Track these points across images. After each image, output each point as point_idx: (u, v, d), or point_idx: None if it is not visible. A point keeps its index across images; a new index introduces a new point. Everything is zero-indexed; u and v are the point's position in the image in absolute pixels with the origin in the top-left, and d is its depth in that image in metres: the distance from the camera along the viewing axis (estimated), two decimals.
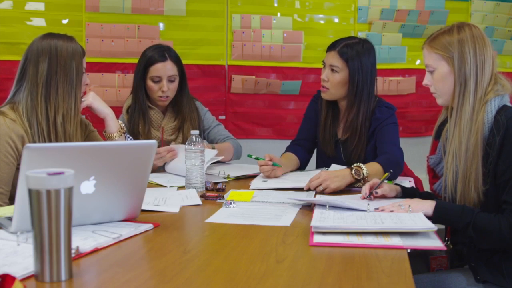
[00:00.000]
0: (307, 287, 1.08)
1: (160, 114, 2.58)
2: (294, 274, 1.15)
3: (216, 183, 2.07)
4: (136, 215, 1.55)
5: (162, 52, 2.51)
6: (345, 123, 2.43)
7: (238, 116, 3.74)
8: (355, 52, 2.32)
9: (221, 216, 1.65)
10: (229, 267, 1.19)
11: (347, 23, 3.79)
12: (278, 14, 3.72)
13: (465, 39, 1.64)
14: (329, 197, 1.88)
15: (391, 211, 1.59)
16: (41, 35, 1.94)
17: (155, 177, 2.26)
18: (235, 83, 3.69)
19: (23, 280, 1.06)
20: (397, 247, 1.32)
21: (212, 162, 2.30)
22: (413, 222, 1.45)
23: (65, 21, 3.48)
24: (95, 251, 1.27)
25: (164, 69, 2.49)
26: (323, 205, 1.69)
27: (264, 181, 2.20)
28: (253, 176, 2.30)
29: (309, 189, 2.03)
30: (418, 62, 3.88)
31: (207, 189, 2.04)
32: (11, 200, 1.77)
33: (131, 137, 2.35)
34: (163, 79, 2.49)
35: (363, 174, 2.06)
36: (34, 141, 1.86)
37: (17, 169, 1.78)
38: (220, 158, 2.36)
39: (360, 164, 2.09)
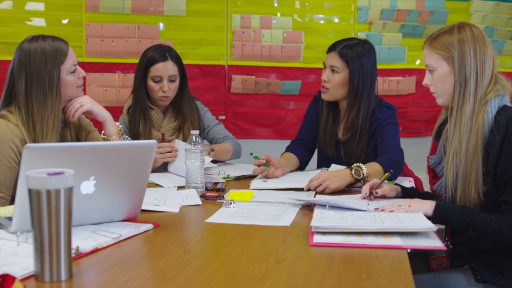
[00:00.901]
0: (307, 287, 1.08)
1: (160, 114, 2.58)
2: (294, 274, 1.15)
3: (216, 183, 2.07)
4: (136, 215, 1.55)
5: (163, 52, 2.51)
6: (346, 123, 2.43)
7: (238, 116, 3.74)
8: (355, 53, 2.32)
9: (221, 216, 1.65)
10: (229, 267, 1.19)
11: (347, 23, 3.79)
12: (278, 14, 3.72)
13: (465, 39, 1.64)
14: (329, 197, 1.88)
15: (391, 211, 1.59)
16: (24, 40, 1.91)
17: (155, 177, 2.26)
18: (235, 83, 3.69)
19: (23, 280, 1.06)
20: (397, 247, 1.32)
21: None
22: (413, 222, 1.45)
23: (65, 21, 3.48)
24: (95, 251, 1.27)
25: (165, 69, 2.49)
26: (323, 205, 1.69)
27: (264, 181, 2.20)
28: (253, 176, 2.30)
29: (309, 189, 2.03)
30: (418, 62, 3.88)
31: (207, 189, 2.04)
32: (12, 202, 1.77)
33: (129, 138, 2.35)
34: (164, 79, 2.49)
35: (363, 174, 2.06)
36: None
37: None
38: (213, 166, 2.34)
39: (360, 164, 2.09)
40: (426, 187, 2.09)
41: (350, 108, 2.38)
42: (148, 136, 2.53)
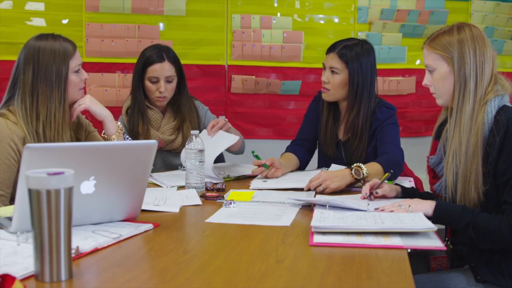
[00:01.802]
0: (307, 287, 1.08)
1: (159, 114, 2.58)
2: (294, 274, 1.15)
3: (216, 183, 2.07)
4: (136, 215, 1.55)
5: (160, 53, 2.51)
6: (346, 124, 2.43)
7: (238, 116, 3.74)
8: (355, 53, 2.32)
9: (221, 216, 1.65)
10: (229, 267, 1.19)
11: (347, 23, 3.79)
12: (278, 14, 3.72)
13: (465, 39, 1.64)
14: (329, 197, 1.88)
15: (391, 211, 1.59)
16: (32, 37, 1.94)
17: (155, 177, 2.26)
18: (235, 83, 3.69)
19: (23, 280, 1.06)
20: (397, 247, 1.32)
21: (227, 147, 2.32)
22: (413, 222, 1.45)
23: (65, 21, 3.48)
24: (95, 251, 1.27)
25: (162, 70, 2.49)
26: (323, 205, 1.69)
27: (264, 181, 2.20)
28: (253, 176, 2.30)
29: (309, 189, 2.03)
30: (418, 62, 3.88)
31: (207, 189, 2.04)
32: (12, 202, 1.77)
33: (130, 138, 2.35)
34: (161, 80, 2.49)
35: (363, 174, 2.06)
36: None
37: (19, 171, 1.78)
38: (235, 141, 2.34)
39: (360, 164, 2.09)
40: (426, 187, 2.09)
41: (351, 109, 2.38)
42: (147, 136, 2.53)
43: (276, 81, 3.71)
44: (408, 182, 2.21)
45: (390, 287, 1.08)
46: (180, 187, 2.09)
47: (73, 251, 1.15)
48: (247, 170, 2.41)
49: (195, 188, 2.03)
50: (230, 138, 2.33)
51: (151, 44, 2.62)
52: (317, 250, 1.32)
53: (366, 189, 1.84)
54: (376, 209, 1.64)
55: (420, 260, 1.87)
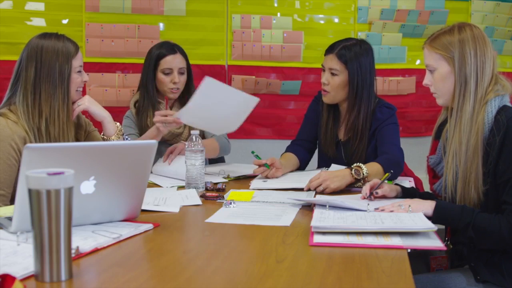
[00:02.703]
0: (307, 287, 1.08)
1: (167, 108, 2.60)
2: (294, 274, 1.15)
3: (216, 183, 2.07)
4: (136, 215, 1.55)
5: (171, 46, 2.59)
6: (346, 124, 2.43)
7: None
8: (353, 54, 2.32)
9: (221, 216, 1.65)
10: (229, 267, 1.19)
11: (347, 23, 3.79)
12: (278, 14, 3.72)
13: (466, 39, 1.64)
14: (329, 197, 1.88)
15: (391, 211, 1.59)
16: (35, 36, 1.95)
17: (155, 177, 2.26)
18: (235, 83, 3.68)
19: (23, 280, 1.06)
20: (397, 247, 1.32)
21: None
22: (413, 222, 1.45)
23: (65, 21, 3.48)
24: (95, 251, 1.27)
25: (175, 61, 2.55)
26: (323, 205, 1.69)
27: (264, 181, 2.20)
28: (253, 176, 2.30)
29: (309, 189, 2.03)
30: (418, 62, 3.88)
31: (207, 189, 2.04)
32: (12, 202, 1.77)
33: (129, 138, 2.35)
34: (174, 71, 2.55)
35: (363, 174, 2.06)
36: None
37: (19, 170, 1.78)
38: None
39: (360, 164, 2.09)
40: (426, 187, 2.10)
41: (351, 109, 2.38)
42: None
43: (276, 81, 3.71)
44: (408, 182, 2.21)
45: (390, 287, 1.08)
46: (180, 187, 2.09)
47: (73, 251, 1.15)
48: (247, 170, 2.41)
49: (195, 188, 2.03)
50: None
51: (158, 43, 2.65)
52: (317, 250, 1.32)
53: (366, 189, 1.84)
54: (376, 209, 1.64)
55: (420, 260, 1.87)
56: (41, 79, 1.89)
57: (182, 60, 2.59)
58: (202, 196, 1.91)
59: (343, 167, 2.22)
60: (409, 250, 1.34)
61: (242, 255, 1.27)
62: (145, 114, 2.56)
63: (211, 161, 2.75)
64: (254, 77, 3.69)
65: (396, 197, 1.86)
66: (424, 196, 1.81)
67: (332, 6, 3.77)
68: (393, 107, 2.43)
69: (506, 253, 1.58)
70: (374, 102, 2.40)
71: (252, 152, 2.31)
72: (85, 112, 2.11)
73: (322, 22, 3.77)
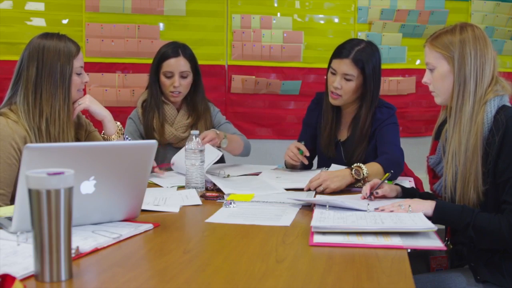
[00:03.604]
0: (307, 287, 1.08)
1: (174, 110, 2.61)
2: (294, 274, 1.15)
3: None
4: (136, 215, 1.55)
5: (176, 49, 2.56)
6: (349, 125, 2.43)
7: (238, 116, 3.74)
8: (368, 58, 2.31)
9: (221, 216, 1.65)
10: (229, 267, 1.19)
11: (347, 23, 3.79)
12: (278, 14, 3.72)
13: (467, 39, 1.64)
14: (329, 197, 1.88)
15: (391, 211, 1.59)
16: (37, 35, 1.96)
17: (155, 177, 2.26)
18: (235, 83, 3.69)
19: (23, 280, 1.06)
20: (397, 247, 1.32)
21: (213, 163, 2.29)
22: (413, 222, 1.45)
23: (65, 21, 3.48)
24: (95, 251, 1.27)
25: (177, 64, 2.53)
26: (323, 205, 1.69)
27: (278, 177, 2.21)
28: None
29: (309, 189, 2.03)
30: (418, 62, 3.88)
31: (207, 189, 2.04)
32: (12, 202, 1.77)
33: (129, 138, 2.35)
34: (175, 74, 2.53)
35: (363, 174, 2.06)
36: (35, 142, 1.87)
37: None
38: (218, 157, 2.31)
39: (360, 164, 2.09)
40: (426, 187, 2.09)
41: (357, 110, 2.39)
42: (161, 131, 2.56)
43: (276, 81, 3.71)
44: (408, 182, 2.21)
45: (390, 287, 1.08)
46: (180, 187, 2.09)
47: (73, 251, 1.15)
48: (247, 170, 2.41)
49: (195, 188, 2.03)
50: (213, 154, 2.25)
51: (169, 42, 2.65)
52: (317, 250, 1.32)
53: (366, 189, 1.84)
54: (376, 209, 1.64)
55: (420, 260, 1.87)
56: (42, 78, 1.89)
57: (185, 63, 2.55)
58: (202, 196, 1.91)
59: (343, 167, 2.22)
60: (409, 250, 1.34)
61: (242, 255, 1.27)
62: (151, 114, 2.57)
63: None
64: (254, 77, 3.69)
65: (396, 197, 1.86)
66: (424, 196, 1.81)
67: (332, 6, 3.77)
68: (392, 107, 2.43)
69: (506, 253, 1.58)
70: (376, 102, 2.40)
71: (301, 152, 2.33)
72: (85, 112, 2.11)
73: (322, 22, 3.77)
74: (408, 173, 2.52)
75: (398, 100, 3.74)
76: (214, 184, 2.06)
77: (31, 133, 1.87)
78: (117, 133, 2.17)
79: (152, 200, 1.80)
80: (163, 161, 2.50)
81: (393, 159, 2.22)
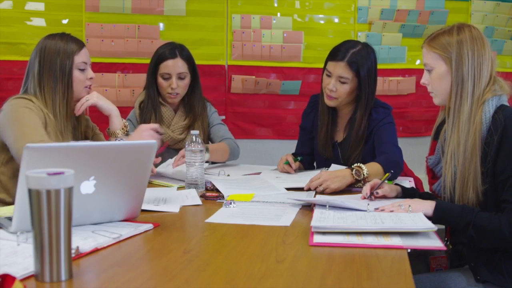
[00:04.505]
0: (307, 287, 1.08)
1: (171, 111, 2.61)
2: (294, 274, 1.15)
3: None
4: (136, 215, 1.55)
5: (173, 50, 2.55)
6: (345, 126, 2.43)
7: (238, 116, 3.74)
8: (363, 61, 2.30)
9: (221, 216, 1.65)
10: (229, 267, 1.19)
11: (347, 23, 3.79)
12: (278, 14, 3.72)
13: (464, 40, 1.64)
14: (329, 197, 1.88)
15: (391, 211, 1.59)
16: (44, 37, 2.07)
17: (155, 177, 2.26)
18: (235, 83, 3.69)
19: (23, 280, 1.06)
20: (397, 247, 1.32)
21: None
22: (413, 222, 1.45)
23: (65, 21, 3.48)
24: (95, 251, 1.27)
25: (174, 66, 2.52)
26: (323, 205, 1.69)
27: (277, 177, 2.21)
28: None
29: (309, 189, 2.03)
30: (418, 62, 3.88)
31: (207, 189, 2.04)
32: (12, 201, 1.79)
33: (123, 139, 2.34)
34: (173, 76, 2.52)
35: (364, 175, 2.06)
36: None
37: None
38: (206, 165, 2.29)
39: (361, 165, 2.09)
40: (426, 187, 2.09)
41: (354, 112, 2.39)
42: None
43: (276, 81, 3.71)
44: (408, 182, 2.21)
45: (390, 287, 1.09)
46: (180, 187, 2.09)
47: (73, 251, 1.15)
48: (247, 170, 2.41)
49: (195, 188, 2.03)
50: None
51: (166, 42, 2.65)
52: (317, 250, 1.32)
53: (366, 189, 1.84)
54: (376, 209, 1.64)
55: (420, 260, 1.87)
56: (44, 73, 2.01)
57: (182, 65, 2.54)
58: (202, 196, 1.91)
59: (343, 167, 2.22)
60: (409, 250, 1.34)
61: (242, 255, 1.27)
62: (148, 115, 2.56)
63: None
64: (254, 77, 3.69)
65: (396, 197, 1.86)
66: (424, 196, 1.81)
67: (332, 6, 3.77)
68: (388, 107, 2.43)
69: (506, 253, 1.58)
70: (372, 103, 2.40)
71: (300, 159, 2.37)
72: (92, 108, 2.15)
73: (322, 22, 3.77)
74: (408, 173, 2.52)
75: (398, 100, 3.74)
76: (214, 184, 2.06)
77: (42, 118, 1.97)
78: (122, 129, 2.19)
79: (152, 200, 1.80)
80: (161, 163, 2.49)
81: (392, 159, 2.22)
